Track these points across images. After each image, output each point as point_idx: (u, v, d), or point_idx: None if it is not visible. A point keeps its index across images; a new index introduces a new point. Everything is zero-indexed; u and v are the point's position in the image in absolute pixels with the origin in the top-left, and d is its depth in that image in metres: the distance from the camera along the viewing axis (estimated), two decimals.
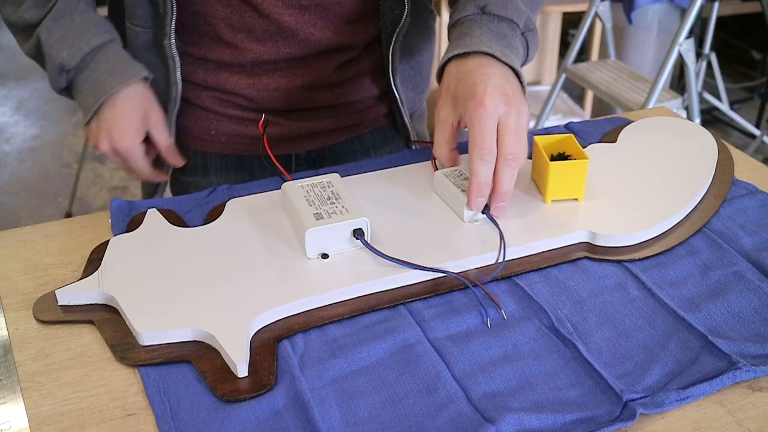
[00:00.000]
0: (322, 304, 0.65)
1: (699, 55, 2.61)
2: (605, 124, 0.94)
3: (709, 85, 2.87)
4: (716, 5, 2.45)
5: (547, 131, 0.91)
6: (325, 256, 0.68)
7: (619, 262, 0.70)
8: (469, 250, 0.69)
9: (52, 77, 0.87)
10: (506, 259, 0.69)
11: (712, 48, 2.67)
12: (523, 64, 0.81)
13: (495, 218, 0.72)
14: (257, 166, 0.99)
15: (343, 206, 0.70)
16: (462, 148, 0.78)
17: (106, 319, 0.63)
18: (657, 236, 0.73)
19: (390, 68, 0.93)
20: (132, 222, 0.75)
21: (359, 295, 0.66)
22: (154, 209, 0.75)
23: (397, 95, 0.95)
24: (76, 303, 0.65)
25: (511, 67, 0.75)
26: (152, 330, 0.61)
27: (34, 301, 0.66)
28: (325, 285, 0.65)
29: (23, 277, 0.69)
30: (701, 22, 2.66)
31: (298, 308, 0.64)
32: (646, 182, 0.79)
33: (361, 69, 0.96)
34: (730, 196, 0.80)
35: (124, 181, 2.73)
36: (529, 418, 0.54)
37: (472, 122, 0.70)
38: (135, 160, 0.88)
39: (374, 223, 0.72)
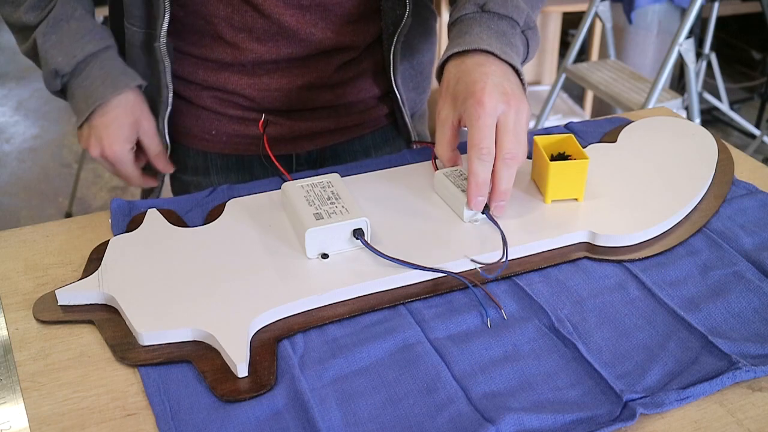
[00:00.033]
0: (322, 304, 0.65)
1: (699, 55, 2.61)
2: (605, 124, 0.94)
3: (709, 85, 2.87)
4: (716, 5, 2.45)
5: (547, 131, 0.91)
6: (325, 256, 0.68)
7: (619, 262, 0.70)
8: (469, 250, 0.69)
9: (46, 80, 0.88)
10: (506, 259, 0.69)
11: (712, 48, 2.67)
12: (524, 62, 0.80)
13: (495, 218, 0.72)
14: (258, 166, 0.99)
15: (343, 206, 0.70)
16: (462, 147, 0.78)
17: (106, 319, 0.63)
18: (657, 236, 0.73)
19: (391, 68, 0.93)
20: (132, 222, 0.75)
21: (359, 295, 0.66)
22: (154, 209, 0.75)
23: (398, 95, 0.95)
24: (76, 303, 0.65)
25: (511, 65, 0.74)
26: (152, 330, 0.61)
27: (34, 301, 0.66)
28: (325, 285, 0.65)
29: (23, 277, 0.69)
30: (701, 22, 2.66)
31: (298, 308, 0.64)
32: (646, 182, 0.79)
33: (362, 69, 0.96)
34: (730, 196, 0.80)
35: (124, 182, 2.73)
36: (529, 418, 0.54)
37: (471, 121, 0.70)
38: (124, 166, 0.90)
39: (374, 223, 0.72)
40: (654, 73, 2.38)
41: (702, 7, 2.09)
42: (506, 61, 0.74)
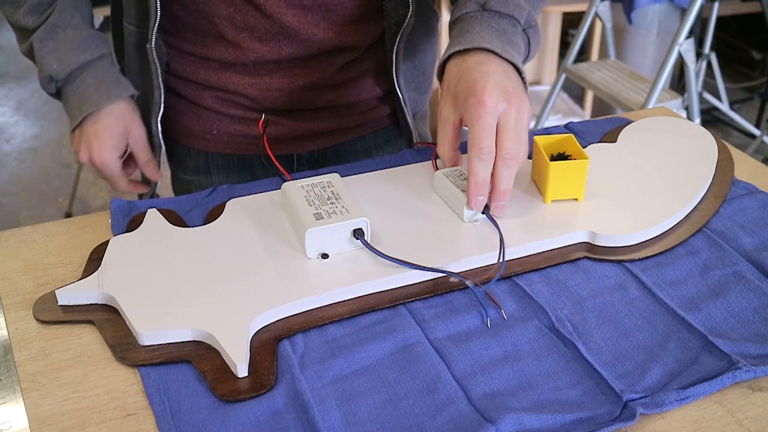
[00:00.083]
0: (322, 304, 0.65)
1: (699, 55, 2.61)
2: (605, 124, 0.94)
3: (709, 85, 2.87)
4: (716, 5, 2.45)
5: (547, 131, 0.91)
6: (325, 256, 0.68)
7: (619, 262, 0.70)
8: (469, 250, 0.69)
9: (42, 83, 0.90)
10: (506, 259, 0.69)
11: (712, 48, 2.67)
12: (525, 61, 0.80)
13: (495, 218, 0.72)
14: (259, 166, 0.99)
15: (343, 206, 0.70)
16: (463, 147, 0.78)
17: (106, 319, 0.63)
18: (657, 236, 0.73)
19: (394, 68, 0.93)
20: (132, 222, 0.75)
21: (359, 295, 0.66)
22: (154, 209, 0.75)
23: (400, 95, 0.95)
24: (76, 303, 0.65)
25: (512, 64, 0.74)
26: (152, 330, 0.61)
27: (34, 301, 0.66)
28: (325, 285, 0.65)
29: (23, 277, 0.69)
30: (701, 22, 2.66)
31: (298, 308, 0.64)
32: (646, 182, 0.79)
33: (364, 69, 0.96)
34: (730, 196, 0.79)
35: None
36: (529, 418, 0.54)
37: (472, 121, 0.70)
38: (111, 173, 0.92)
39: (374, 223, 0.72)
40: (654, 73, 2.38)
41: (702, 7, 2.09)
42: (507, 60, 0.74)
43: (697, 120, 2.17)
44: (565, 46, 3.06)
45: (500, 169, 0.70)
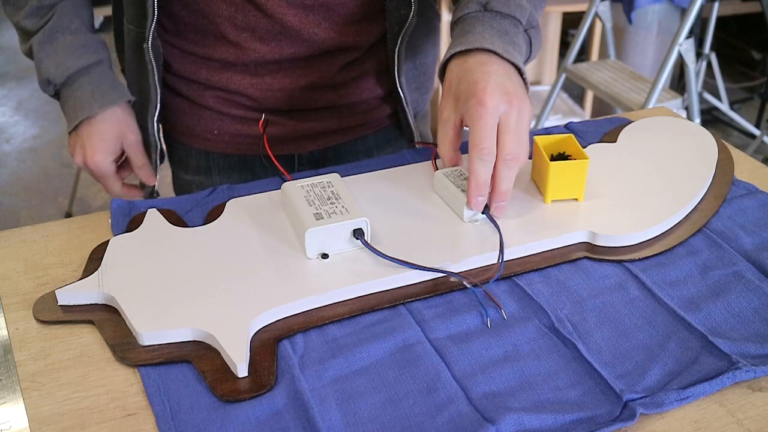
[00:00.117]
0: (322, 304, 0.65)
1: (699, 55, 2.61)
2: (605, 124, 0.94)
3: (709, 85, 2.87)
4: (716, 5, 2.45)
5: (547, 131, 0.91)
6: (325, 256, 0.68)
7: (619, 262, 0.70)
8: (469, 250, 0.69)
9: (41, 85, 0.92)
10: (506, 259, 0.69)
11: (712, 48, 2.67)
12: (526, 61, 0.80)
13: (495, 218, 0.72)
14: (260, 166, 1.00)
15: (343, 206, 0.70)
16: (464, 147, 0.78)
17: (106, 319, 0.63)
18: (657, 236, 0.73)
19: (395, 69, 0.93)
20: (132, 222, 0.75)
21: (359, 295, 0.66)
22: (154, 209, 0.75)
23: (401, 96, 0.95)
24: (76, 303, 0.65)
25: (513, 64, 0.74)
26: (152, 330, 0.61)
27: (34, 301, 0.66)
28: (325, 285, 0.65)
29: (23, 277, 0.69)
30: (701, 22, 2.66)
31: (298, 308, 0.64)
32: (646, 182, 0.79)
33: (365, 69, 0.96)
34: (730, 196, 0.80)
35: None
36: (529, 418, 0.54)
37: (472, 121, 0.70)
38: (104, 177, 0.94)
39: (374, 223, 0.72)
40: (654, 73, 2.38)
41: (702, 7, 2.09)
42: (509, 60, 0.74)
43: (697, 120, 2.17)
44: (565, 46, 3.06)
45: (501, 169, 0.70)
